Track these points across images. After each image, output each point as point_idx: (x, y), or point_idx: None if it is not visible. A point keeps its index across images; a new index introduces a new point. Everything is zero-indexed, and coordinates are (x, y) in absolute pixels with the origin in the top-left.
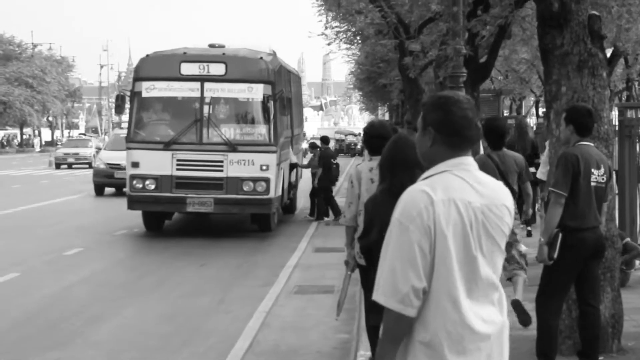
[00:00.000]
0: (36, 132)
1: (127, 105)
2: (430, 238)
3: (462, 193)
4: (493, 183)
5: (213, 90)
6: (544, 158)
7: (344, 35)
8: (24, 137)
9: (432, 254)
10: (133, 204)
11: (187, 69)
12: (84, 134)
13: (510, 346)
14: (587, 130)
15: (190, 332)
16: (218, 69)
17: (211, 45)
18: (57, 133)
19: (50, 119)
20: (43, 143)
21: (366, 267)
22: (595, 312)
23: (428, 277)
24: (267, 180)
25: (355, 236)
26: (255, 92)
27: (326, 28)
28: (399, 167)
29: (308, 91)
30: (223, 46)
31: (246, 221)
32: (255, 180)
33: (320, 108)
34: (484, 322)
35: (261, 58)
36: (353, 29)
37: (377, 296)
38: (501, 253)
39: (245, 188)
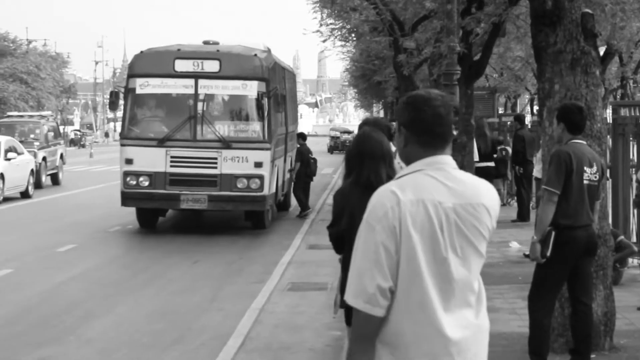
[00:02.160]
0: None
1: (122, 102)
2: (395, 238)
3: (433, 193)
4: (471, 181)
5: (207, 87)
6: (539, 156)
7: (339, 33)
8: None
9: (398, 254)
10: (127, 200)
11: (181, 65)
12: (79, 130)
13: (502, 344)
14: (579, 128)
15: (182, 329)
16: (212, 66)
17: (205, 42)
18: None
19: None
20: None
21: None
22: (588, 310)
23: (394, 278)
24: (261, 177)
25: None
26: (250, 89)
27: (321, 25)
28: (366, 160)
29: (303, 88)
30: (217, 43)
31: (240, 218)
32: (249, 177)
33: (315, 105)
34: (456, 326)
35: (255, 55)
36: (348, 26)
37: (347, 296)
38: (478, 254)
39: (239, 185)
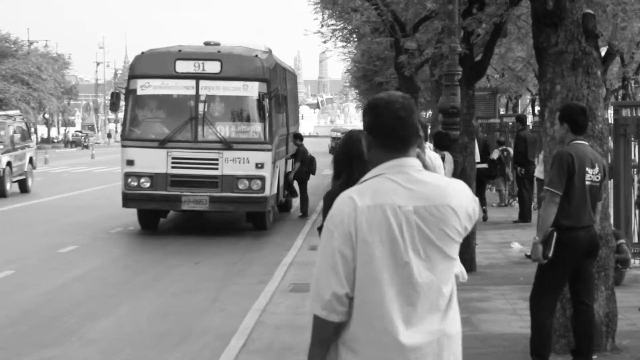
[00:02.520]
0: (32, 129)
1: (122, 103)
2: (352, 244)
3: (392, 197)
4: (437, 183)
5: (208, 88)
6: (541, 157)
7: (340, 33)
8: None
9: (354, 260)
10: (128, 201)
11: (182, 66)
12: (80, 132)
13: (504, 345)
14: (582, 128)
15: (184, 330)
16: (213, 67)
17: (206, 43)
18: (54, 130)
19: (47, 116)
20: (39, 140)
21: None
22: (590, 310)
23: (352, 284)
24: (262, 179)
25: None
26: (251, 90)
27: (322, 26)
28: (355, 161)
29: (304, 89)
30: (218, 44)
31: (241, 219)
32: (250, 178)
33: (316, 106)
34: (417, 332)
35: (256, 56)
36: (349, 27)
37: (308, 301)
38: (445, 256)
39: (241, 186)
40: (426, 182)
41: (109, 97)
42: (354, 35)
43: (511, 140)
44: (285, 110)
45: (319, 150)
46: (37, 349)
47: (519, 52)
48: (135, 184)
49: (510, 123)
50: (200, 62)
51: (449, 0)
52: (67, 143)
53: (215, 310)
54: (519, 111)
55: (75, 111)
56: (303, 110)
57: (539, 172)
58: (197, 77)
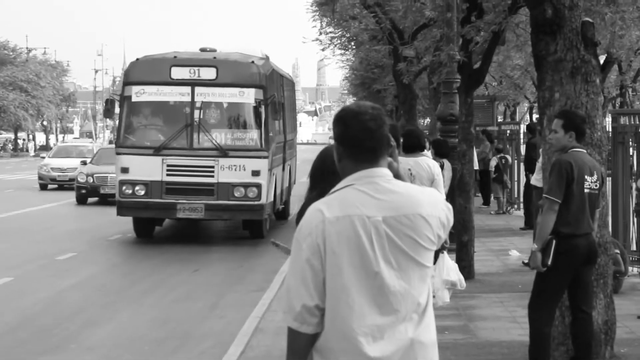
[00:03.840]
0: (30, 136)
1: (117, 110)
2: (320, 256)
3: (361, 208)
4: (408, 192)
5: (204, 94)
6: (539, 165)
7: (339, 41)
8: (19, 141)
9: (324, 272)
10: (122, 210)
11: (177, 73)
12: (78, 139)
13: (503, 352)
14: (583, 136)
15: (183, 337)
16: (209, 73)
17: (202, 49)
18: (52, 137)
19: (45, 123)
20: (37, 147)
21: None
22: (588, 318)
23: (322, 295)
24: (258, 186)
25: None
26: (247, 97)
27: (320, 34)
28: (329, 176)
29: (302, 96)
30: (214, 50)
31: (238, 227)
32: (246, 185)
33: (314, 113)
34: (388, 342)
35: (253, 62)
36: (347, 35)
37: (281, 313)
38: (418, 264)
39: (237, 194)
40: (396, 192)
41: (104, 104)
42: (353, 43)
43: (509, 148)
44: (282, 117)
45: None
46: (36, 356)
47: (517, 60)
48: (130, 191)
49: (509, 131)
50: (196, 68)
51: (448, 8)
52: None
53: (214, 317)
54: (517, 118)
55: (73, 118)
56: (301, 117)
57: (535, 179)
58: (193, 83)
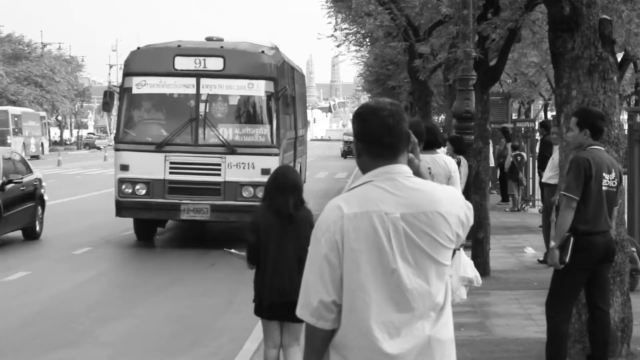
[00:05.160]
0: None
1: (117, 103)
2: (338, 252)
3: (379, 204)
4: (427, 189)
5: (210, 86)
6: (551, 163)
7: (353, 37)
8: None
9: (341, 268)
10: (122, 210)
11: (181, 63)
12: (93, 134)
13: (519, 350)
14: (600, 134)
15: (199, 332)
16: (215, 64)
17: (208, 39)
18: (66, 132)
19: (60, 118)
20: (52, 142)
21: None
22: (605, 316)
23: (339, 291)
24: None
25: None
26: (256, 89)
27: (335, 30)
28: (275, 191)
29: (317, 92)
30: (221, 39)
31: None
32: (255, 185)
33: (329, 110)
34: (405, 339)
35: (262, 52)
36: (362, 31)
37: (297, 308)
38: (435, 262)
39: (245, 194)
40: (415, 189)
41: (102, 96)
42: (367, 40)
43: (524, 146)
44: (293, 111)
45: (331, 154)
46: (52, 350)
47: (532, 58)
48: (130, 191)
49: (523, 128)
50: (202, 58)
51: (464, 5)
52: (81, 145)
53: (230, 312)
54: (532, 116)
55: (88, 113)
56: (315, 114)
57: (547, 177)
58: (198, 74)
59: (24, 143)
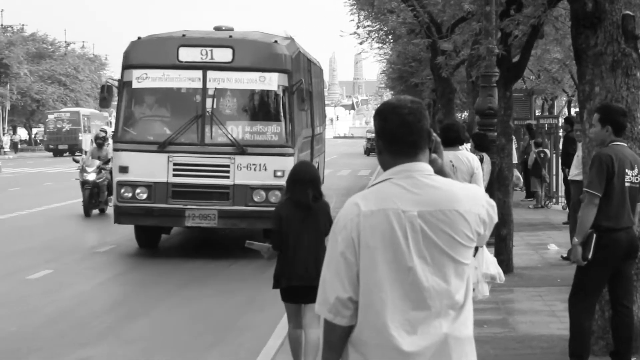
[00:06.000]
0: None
1: (116, 98)
2: (354, 249)
3: (397, 202)
4: (446, 188)
5: (217, 80)
6: (576, 159)
7: (376, 35)
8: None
9: (358, 265)
10: (121, 216)
11: (186, 54)
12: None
13: (542, 346)
14: (622, 130)
15: (222, 330)
16: (224, 55)
17: (217, 28)
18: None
19: None
20: None
21: None
22: (629, 312)
23: (355, 288)
24: (282, 189)
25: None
26: (269, 83)
27: (358, 27)
28: (297, 185)
29: (340, 90)
30: (232, 29)
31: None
32: (268, 188)
33: (351, 107)
34: (421, 337)
35: (275, 42)
36: (385, 29)
37: (316, 305)
38: (454, 261)
39: (256, 198)
40: (434, 187)
41: (99, 91)
42: (390, 37)
43: (547, 142)
44: (310, 107)
45: (354, 151)
46: (76, 348)
47: (555, 54)
48: (130, 195)
49: (547, 125)
50: (209, 49)
51: (487, 2)
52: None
53: (252, 311)
54: (555, 112)
55: (111, 112)
56: (338, 111)
57: (573, 175)
58: (205, 67)
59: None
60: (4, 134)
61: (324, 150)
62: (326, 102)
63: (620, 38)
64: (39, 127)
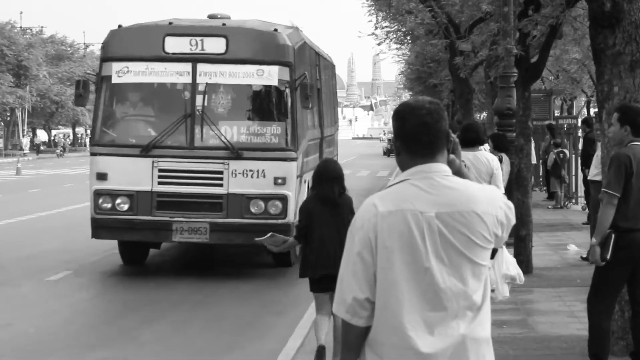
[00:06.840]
0: (88, 131)
1: (94, 95)
2: (371, 250)
3: (414, 203)
4: (464, 189)
5: (209, 74)
6: (595, 159)
7: (394, 35)
8: (77, 136)
9: (375, 265)
10: (99, 230)
11: (173, 45)
12: None
13: (561, 347)
14: None
15: (240, 333)
16: (216, 46)
17: (211, 16)
18: None
19: None
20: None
21: None
22: None
23: (372, 288)
24: (283, 199)
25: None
26: (267, 77)
27: (376, 28)
28: (324, 181)
29: (358, 91)
30: (228, 17)
31: (260, 253)
32: (267, 198)
33: (370, 108)
34: (438, 338)
35: (275, 30)
36: (403, 29)
37: (334, 305)
38: (471, 262)
39: (253, 209)
40: (451, 188)
41: (75, 87)
42: (408, 37)
43: (567, 143)
44: (318, 105)
45: (373, 152)
46: (92, 350)
47: (573, 54)
48: (109, 206)
49: (566, 125)
50: (199, 38)
51: (505, 2)
52: None
53: (271, 313)
54: (574, 113)
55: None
56: (357, 112)
57: (593, 175)
58: (194, 59)
59: None
60: (23, 136)
61: (337, 153)
62: (345, 103)
63: (639, 38)
64: (58, 129)
